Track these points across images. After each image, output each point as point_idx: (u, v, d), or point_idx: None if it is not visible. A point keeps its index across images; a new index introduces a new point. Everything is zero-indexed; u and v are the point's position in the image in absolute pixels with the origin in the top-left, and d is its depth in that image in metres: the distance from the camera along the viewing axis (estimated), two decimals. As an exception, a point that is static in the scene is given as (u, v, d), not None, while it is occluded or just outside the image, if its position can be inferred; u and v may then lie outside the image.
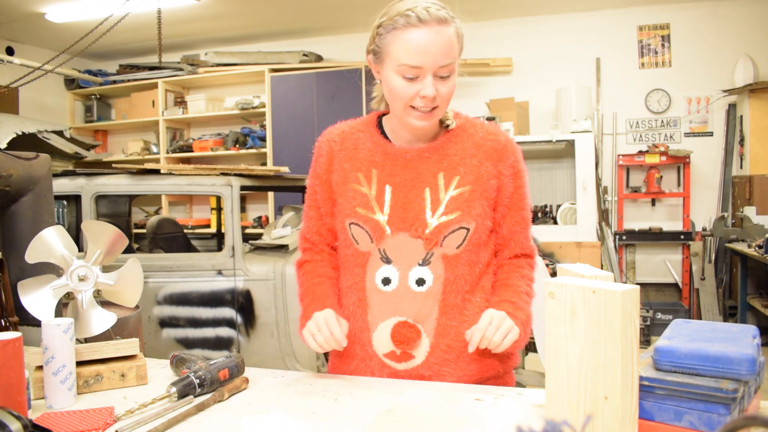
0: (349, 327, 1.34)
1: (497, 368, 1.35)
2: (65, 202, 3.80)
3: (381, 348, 1.32)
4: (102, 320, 1.36)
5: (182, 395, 1.19)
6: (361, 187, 1.33)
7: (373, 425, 1.05)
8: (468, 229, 1.28)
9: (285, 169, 3.62)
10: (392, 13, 1.22)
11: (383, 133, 1.37)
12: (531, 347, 3.30)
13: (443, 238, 1.27)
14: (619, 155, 5.33)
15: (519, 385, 2.70)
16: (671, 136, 5.41)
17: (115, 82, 6.40)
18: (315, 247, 1.45)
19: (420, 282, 1.28)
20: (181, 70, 6.10)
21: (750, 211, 4.64)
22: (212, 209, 6.03)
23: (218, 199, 4.87)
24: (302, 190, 4.15)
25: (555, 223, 5.02)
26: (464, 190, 1.29)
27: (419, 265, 1.28)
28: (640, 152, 5.24)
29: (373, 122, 1.39)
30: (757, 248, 4.13)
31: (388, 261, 1.30)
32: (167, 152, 6.21)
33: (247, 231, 5.75)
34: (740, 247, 4.47)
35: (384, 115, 1.41)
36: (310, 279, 1.42)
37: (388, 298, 1.30)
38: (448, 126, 1.35)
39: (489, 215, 1.32)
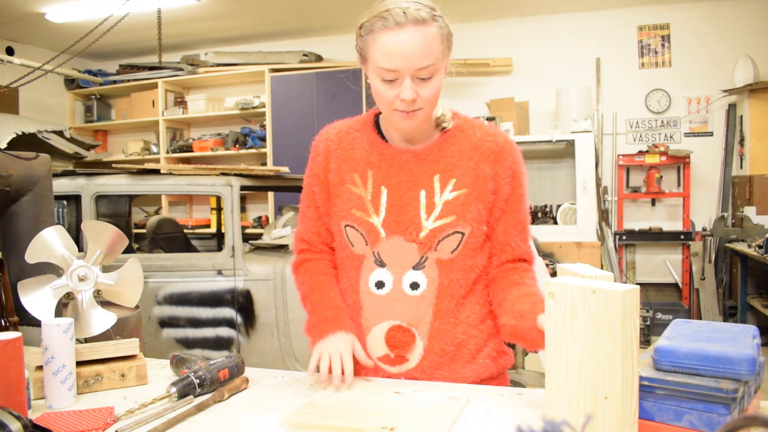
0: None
1: (491, 369, 1.34)
2: (65, 202, 3.79)
3: (375, 352, 1.31)
4: (102, 320, 1.36)
5: (182, 395, 1.19)
6: (356, 189, 1.31)
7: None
8: (463, 234, 1.26)
9: (285, 169, 3.62)
10: (372, 14, 1.19)
11: (380, 132, 1.36)
12: (531, 347, 3.29)
13: (437, 242, 1.26)
14: (619, 155, 5.33)
15: (519, 385, 2.70)
16: (671, 136, 5.41)
17: (115, 82, 6.40)
18: (313, 247, 1.42)
19: (414, 286, 1.27)
20: (181, 70, 6.10)
21: (750, 211, 4.64)
22: (212, 209, 6.03)
23: (218, 199, 4.87)
24: (302, 190, 4.14)
25: (555, 223, 5.02)
26: (460, 193, 1.27)
27: (413, 269, 1.27)
28: (640, 152, 5.24)
29: (370, 121, 1.37)
30: (757, 248, 4.13)
31: (382, 264, 1.29)
32: (167, 152, 6.21)
33: (247, 231, 5.75)
34: (740, 247, 4.47)
35: (381, 113, 1.38)
36: (314, 276, 1.38)
37: (381, 301, 1.29)
38: (444, 128, 1.33)
39: (485, 219, 1.29)
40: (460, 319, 1.30)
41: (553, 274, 3.71)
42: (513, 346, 1.48)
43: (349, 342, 1.26)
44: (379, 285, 1.29)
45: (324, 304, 1.33)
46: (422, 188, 1.28)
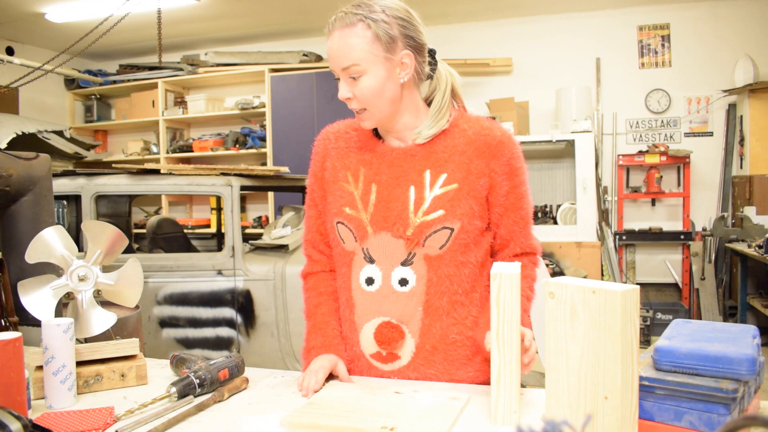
0: (340, 328, 1.37)
1: (487, 372, 1.33)
2: (65, 202, 3.79)
3: (367, 348, 1.32)
4: (102, 320, 1.36)
5: (182, 395, 1.19)
6: (348, 186, 1.32)
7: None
8: (452, 230, 1.25)
9: (285, 169, 3.62)
10: None
11: (376, 130, 1.37)
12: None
13: (425, 238, 1.25)
14: (619, 155, 5.33)
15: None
16: (671, 136, 5.41)
17: (115, 82, 6.40)
18: (315, 252, 1.44)
19: (403, 282, 1.27)
20: (181, 70, 6.10)
21: (750, 211, 4.64)
22: (212, 209, 6.03)
23: (218, 199, 4.87)
24: (302, 190, 4.17)
25: (555, 223, 5.02)
26: (451, 188, 1.26)
27: (401, 265, 1.27)
28: (640, 152, 5.24)
29: None
30: (757, 248, 4.13)
31: (371, 261, 1.29)
32: (167, 152, 6.21)
33: (247, 231, 5.75)
34: (740, 247, 4.47)
35: None
36: (313, 299, 1.42)
37: (372, 298, 1.29)
38: (414, 139, 1.31)
39: (478, 214, 1.28)
40: (456, 319, 1.29)
41: (553, 274, 3.71)
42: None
43: (329, 362, 1.30)
44: (369, 281, 1.30)
45: (315, 333, 1.37)
46: (412, 184, 1.28)
